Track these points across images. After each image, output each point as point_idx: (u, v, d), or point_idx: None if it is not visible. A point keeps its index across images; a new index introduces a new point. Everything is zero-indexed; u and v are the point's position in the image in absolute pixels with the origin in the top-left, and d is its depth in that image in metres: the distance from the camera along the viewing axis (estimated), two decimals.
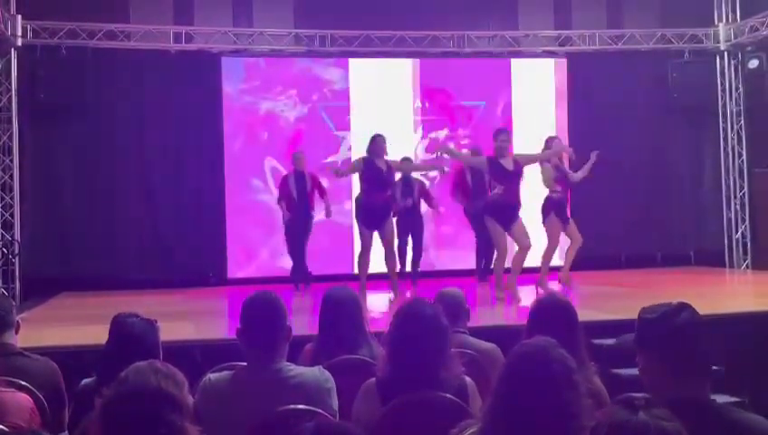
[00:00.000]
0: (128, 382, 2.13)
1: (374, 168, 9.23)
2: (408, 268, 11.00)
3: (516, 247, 8.96)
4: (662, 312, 2.56)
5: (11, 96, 11.34)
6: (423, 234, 11.22)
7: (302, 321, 6.42)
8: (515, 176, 8.83)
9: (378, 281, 9.82)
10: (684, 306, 2.57)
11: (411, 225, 10.90)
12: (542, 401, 2.22)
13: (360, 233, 9.44)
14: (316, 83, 12.54)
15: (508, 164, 8.83)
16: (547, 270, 9.54)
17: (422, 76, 12.80)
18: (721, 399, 2.69)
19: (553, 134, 10.55)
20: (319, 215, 11.01)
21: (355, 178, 10.21)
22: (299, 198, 10.74)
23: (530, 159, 9.32)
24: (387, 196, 9.51)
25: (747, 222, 13.10)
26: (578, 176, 9.82)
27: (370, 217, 9.30)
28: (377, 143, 9.28)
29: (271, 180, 12.12)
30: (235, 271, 12.11)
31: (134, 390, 2.11)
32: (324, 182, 11.08)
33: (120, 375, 2.17)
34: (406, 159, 10.55)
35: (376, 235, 9.37)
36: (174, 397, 2.11)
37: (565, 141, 12.91)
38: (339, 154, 12.49)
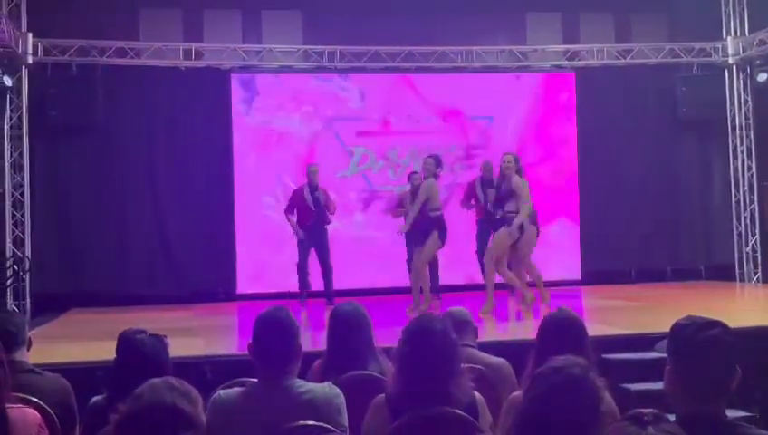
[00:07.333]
0: (143, 399, 2.13)
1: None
2: None
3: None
4: (685, 324, 2.51)
5: (21, 113, 11.42)
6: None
7: (309, 337, 6.42)
8: None
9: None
10: (714, 323, 2.50)
11: None
12: (570, 422, 2.23)
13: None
14: (329, 99, 12.57)
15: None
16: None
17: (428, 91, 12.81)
18: (732, 413, 2.67)
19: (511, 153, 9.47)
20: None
21: None
22: (314, 210, 10.73)
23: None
24: None
25: (758, 235, 13.04)
26: None
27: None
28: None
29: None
30: (244, 286, 12.12)
31: (149, 407, 2.10)
32: (333, 196, 11.04)
33: (135, 392, 2.17)
34: None
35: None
36: (189, 414, 2.11)
37: (574, 156, 12.94)
38: (348, 169, 12.51)
